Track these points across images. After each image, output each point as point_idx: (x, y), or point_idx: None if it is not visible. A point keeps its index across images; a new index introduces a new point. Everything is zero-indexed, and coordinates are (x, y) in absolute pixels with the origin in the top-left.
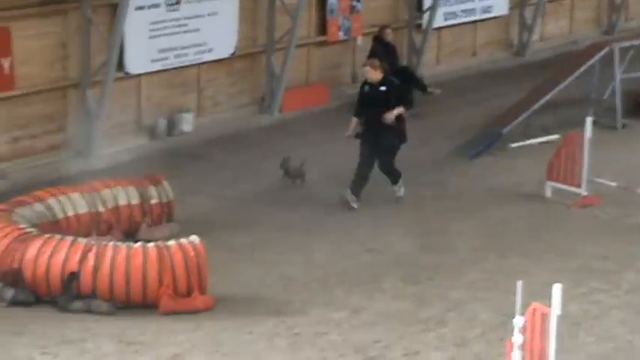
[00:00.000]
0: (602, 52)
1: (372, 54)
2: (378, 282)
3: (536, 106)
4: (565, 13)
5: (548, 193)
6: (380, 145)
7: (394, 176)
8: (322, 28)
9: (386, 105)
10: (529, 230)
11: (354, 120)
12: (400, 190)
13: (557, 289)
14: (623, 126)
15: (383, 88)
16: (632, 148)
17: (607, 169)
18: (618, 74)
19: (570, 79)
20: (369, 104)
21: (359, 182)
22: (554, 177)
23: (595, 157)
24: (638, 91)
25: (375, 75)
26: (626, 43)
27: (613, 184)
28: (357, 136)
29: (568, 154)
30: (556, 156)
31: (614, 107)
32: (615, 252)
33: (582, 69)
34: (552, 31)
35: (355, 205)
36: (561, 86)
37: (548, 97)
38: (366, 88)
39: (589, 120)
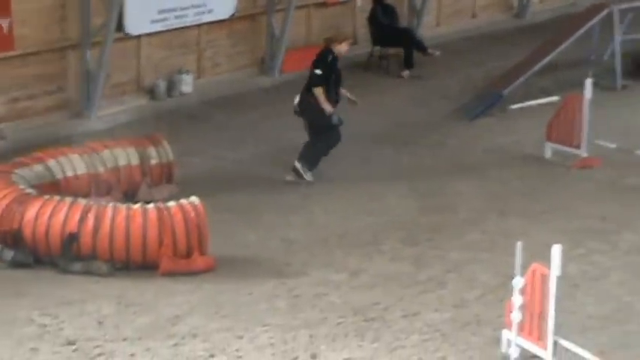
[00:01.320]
0: (602, 14)
1: (372, 16)
2: (377, 244)
3: (536, 67)
4: None
5: (548, 154)
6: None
7: None
8: None
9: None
10: (529, 191)
11: (323, 92)
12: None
13: (556, 250)
14: (623, 87)
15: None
16: (632, 109)
17: (607, 130)
18: (618, 36)
19: (570, 40)
20: (337, 81)
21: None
22: (553, 138)
23: (595, 119)
24: (638, 52)
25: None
26: (626, 5)
27: (612, 145)
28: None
29: (568, 115)
30: (556, 117)
31: (614, 69)
32: (614, 213)
33: (582, 31)
34: None
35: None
36: (561, 48)
37: (548, 58)
38: (336, 64)
39: (589, 81)
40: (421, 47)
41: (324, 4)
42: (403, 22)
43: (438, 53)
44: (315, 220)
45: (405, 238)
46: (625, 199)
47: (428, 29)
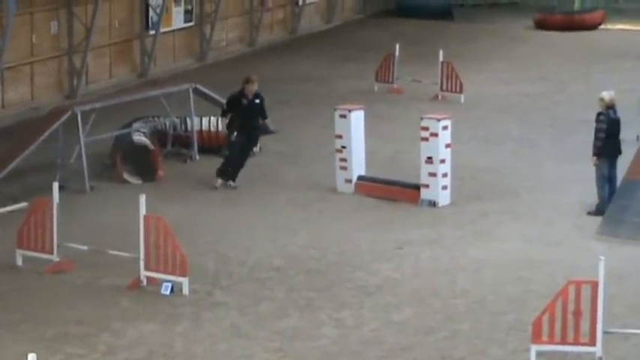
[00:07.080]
0: (65, 117)
1: None
2: None
3: (1, 174)
4: (25, 79)
5: (20, 261)
6: None
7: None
8: None
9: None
10: (1, 301)
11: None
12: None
13: (31, 359)
14: (91, 188)
15: (257, 101)
16: (101, 209)
17: (79, 232)
18: (82, 137)
19: (35, 144)
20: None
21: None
22: (24, 245)
23: (65, 222)
24: (103, 152)
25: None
26: (88, 107)
27: (84, 247)
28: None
29: (37, 220)
30: (25, 224)
31: (82, 170)
32: (91, 315)
33: (46, 134)
34: (13, 97)
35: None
36: (26, 153)
37: (13, 164)
38: (244, 101)
39: (56, 185)
40: None
41: None
42: None
43: None
44: None
45: None
46: (101, 300)
47: None
